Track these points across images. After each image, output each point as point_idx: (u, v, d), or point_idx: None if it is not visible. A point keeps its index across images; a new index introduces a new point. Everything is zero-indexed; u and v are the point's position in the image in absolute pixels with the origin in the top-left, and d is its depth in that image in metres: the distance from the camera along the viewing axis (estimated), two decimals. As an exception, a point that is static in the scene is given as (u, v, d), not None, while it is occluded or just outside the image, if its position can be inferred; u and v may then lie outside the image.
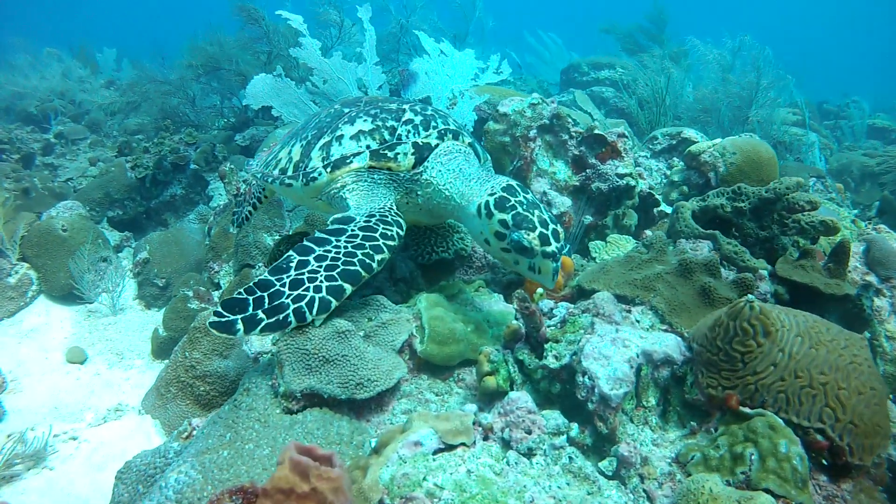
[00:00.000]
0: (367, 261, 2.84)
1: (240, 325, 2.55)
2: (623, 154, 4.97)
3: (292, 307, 2.65)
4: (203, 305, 6.13)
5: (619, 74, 10.59)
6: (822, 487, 2.15)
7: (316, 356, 2.68)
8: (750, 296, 2.21)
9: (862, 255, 4.42)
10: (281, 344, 2.79)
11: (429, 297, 3.13)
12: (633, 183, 4.96)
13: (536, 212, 2.90)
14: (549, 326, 2.64)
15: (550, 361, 2.44)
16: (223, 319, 2.57)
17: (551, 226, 2.88)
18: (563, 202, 5.01)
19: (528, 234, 2.81)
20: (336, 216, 3.12)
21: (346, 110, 3.63)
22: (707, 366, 2.30)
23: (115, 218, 8.53)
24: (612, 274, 2.97)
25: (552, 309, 2.88)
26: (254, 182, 4.70)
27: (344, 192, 3.34)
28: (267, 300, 2.66)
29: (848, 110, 12.34)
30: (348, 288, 2.76)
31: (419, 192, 3.36)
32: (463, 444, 2.14)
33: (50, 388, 5.65)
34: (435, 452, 2.07)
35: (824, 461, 2.18)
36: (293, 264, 2.79)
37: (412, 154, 3.30)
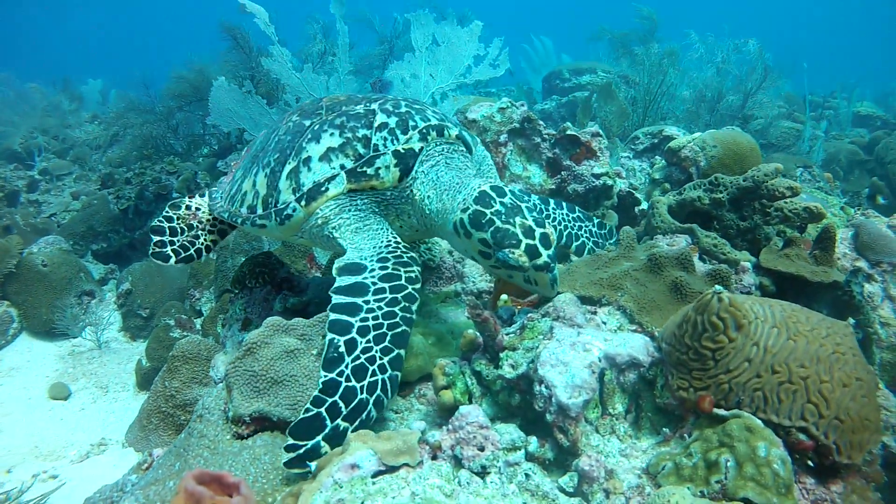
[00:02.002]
0: (408, 315, 2.55)
1: (324, 447, 2.19)
2: (598, 154, 4.82)
3: (371, 400, 2.32)
4: (185, 333, 5.99)
5: (602, 79, 10.47)
6: (810, 491, 1.96)
7: (264, 378, 2.53)
8: (717, 287, 2.03)
9: (851, 240, 4.24)
10: (230, 367, 2.64)
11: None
12: (610, 182, 4.80)
13: (518, 219, 2.56)
14: (508, 334, 2.46)
15: (506, 371, 2.26)
16: (300, 451, 2.17)
17: (538, 231, 2.54)
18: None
19: (514, 252, 2.51)
20: (341, 264, 2.74)
21: (308, 123, 3.12)
22: (677, 366, 2.11)
23: (100, 251, 8.43)
24: (577, 274, 2.79)
25: (513, 315, 2.70)
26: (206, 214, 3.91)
27: (329, 231, 2.93)
28: (343, 404, 2.29)
29: (833, 100, 12.17)
30: (403, 352, 2.49)
31: (411, 212, 2.98)
32: (406, 464, 1.96)
33: (31, 427, 5.52)
34: (376, 475, 1.89)
35: (810, 462, 1.99)
36: (342, 349, 2.40)
37: (395, 166, 2.88)
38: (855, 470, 2.04)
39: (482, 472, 1.99)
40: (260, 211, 3.09)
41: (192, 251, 3.80)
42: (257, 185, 3.16)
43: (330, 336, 2.44)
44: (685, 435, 2.05)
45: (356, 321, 2.48)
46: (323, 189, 2.88)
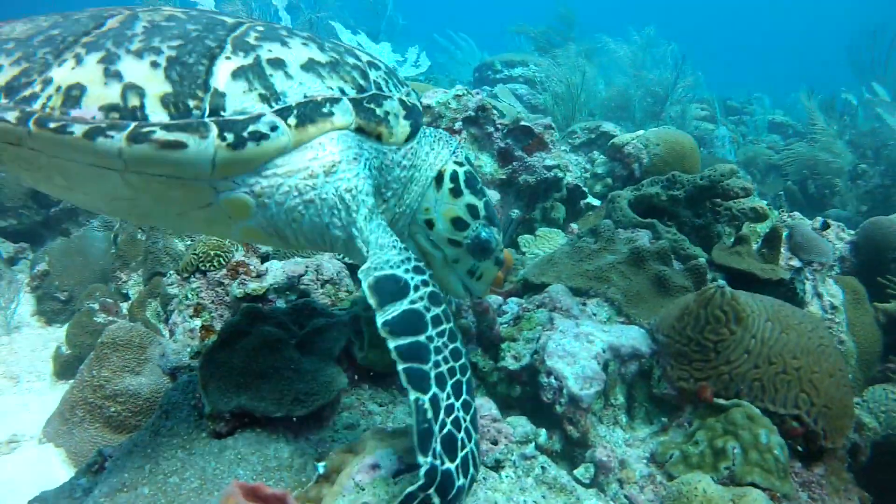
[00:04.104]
0: (465, 347, 1.98)
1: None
2: (550, 146, 4.88)
3: (467, 484, 1.77)
4: (111, 318, 5.64)
5: (533, 72, 10.60)
6: (798, 474, 2.07)
7: (244, 371, 2.39)
8: (721, 281, 2.10)
9: (784, 240, 4.50)
10: (203, 358, 2.48)
11: (364, 298, 2.83)
12: (560, 175, 4.88)
13: (491, 202, 2.21)
14: (501, 324, 2.44)
15: (509, 363, 2.24)
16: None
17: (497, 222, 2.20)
18: (492, 196, 4.86)
19: (498, 234, 2.15)
20: (380, 274, 1.91)
21: (230, 21, 2.00)
22: (676, 357, 2.17)
23: (9, 228, 7.78)
24: (561, 266, 2.81)
25: (501, 305, 2.68)
26: None
27: (342, 192, 1.92)
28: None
29: (750, 106, 12.96)
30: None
31: (395, 187, 2.17)
32: (425, 462, 1.89)
33: (-75, 426, 5.03)
34: (395, 474, 1.82)
35: (799, 447, 2.10)
36: (430, 413, 1.78)
37: (405, 118, 2.07)
38: (833, 453, 2.17)
39: (496, 467, 1.96)
40: (162, 117, 1.73)
41: None
42: (129, 77, 1.76)
43: (414, 395, 1.78)
44: (685, 424, 2.11)
45: (429, 369, 1.85)
46: (325, 111, 1.87)
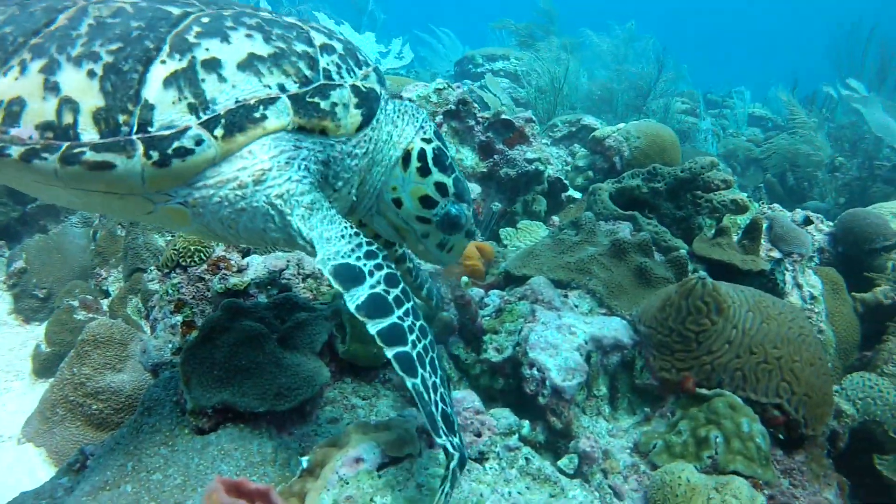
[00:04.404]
0: (428, 325, 1.98)
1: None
2: (531, 139, 4.89)
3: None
4: (91, 315, 5.57)
5: (514, 65, 10.59)
6: (779, 462, 2.10)
7: (227, 366, 2.37)
8: (702, 272, 2.11)
9: (765, 232, 4.54)
10: (185, 354, 2.46)
11: (346, 293, 2.81)
12: (541, 168, 4.89)
13: (462, 175, 2.18)
14: (483, 317, 2.45)
15: (492, 355, 2.25)
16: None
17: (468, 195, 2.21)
18: (472, 189, 4.86)
19: (468, 210, 2.12)
20: (336, 263, 1.88)
21: (176, 11, 1.96)
22: (658, 348, 2.19)
23: (-17, 226, 7.67)
24: (542, 258, 2.82)
25: (483, 298, 2.68)
26: None
27: (272, 199, 1.88)
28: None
29: (731, 100, 13.10)
30: None
31: (346, 176, 2.09)
32: (409, 454, 1.90)
33: None
34: (379, 468, 1.83)
35: (781, 436, 2.12)
36: (426, 396, 1.79)
37: (356, 107, 2.01)
38: (813, 440, 2.20)
39: (480, 458, 1.97)
40: (93, 135, 1.74)
41: None
42: (66, 89, 1.77)
43: (410, 381, 1.78)
44: (668, 414, 2.13)
45: (410, 350, 1.83)
46: (257, 115, 1.83)
